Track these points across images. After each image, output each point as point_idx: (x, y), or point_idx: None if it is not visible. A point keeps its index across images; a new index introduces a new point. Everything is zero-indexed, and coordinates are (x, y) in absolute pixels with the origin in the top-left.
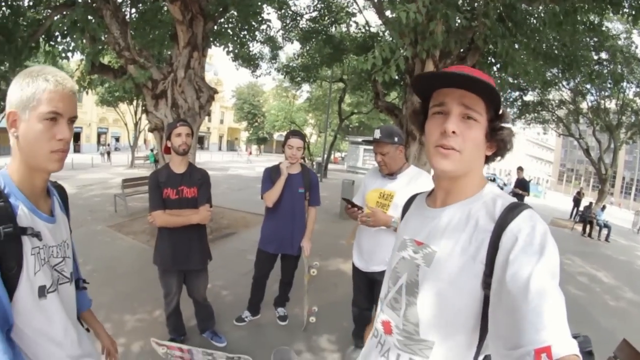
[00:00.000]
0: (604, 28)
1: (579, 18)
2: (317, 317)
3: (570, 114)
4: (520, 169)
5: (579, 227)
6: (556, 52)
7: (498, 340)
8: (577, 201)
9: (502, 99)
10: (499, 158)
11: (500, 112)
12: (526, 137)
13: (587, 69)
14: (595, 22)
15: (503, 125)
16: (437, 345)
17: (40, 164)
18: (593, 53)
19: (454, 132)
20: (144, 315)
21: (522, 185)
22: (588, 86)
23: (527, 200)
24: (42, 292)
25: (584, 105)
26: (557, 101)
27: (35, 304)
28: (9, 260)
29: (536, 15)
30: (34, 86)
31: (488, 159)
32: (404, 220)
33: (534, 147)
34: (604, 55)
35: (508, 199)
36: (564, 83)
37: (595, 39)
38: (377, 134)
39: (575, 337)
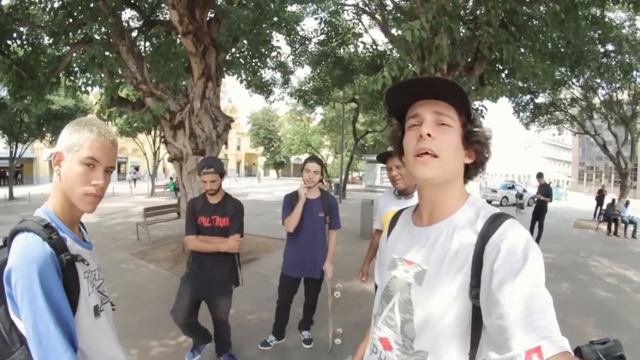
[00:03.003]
0: (606, 19)
1: (580, 13)
2: (341, 338)
3: (584, 111)
4: (540, 175)
5: (604, 227)
6: (562, 50)
7: (490, 346)
8: (600, 200)
9: (472, 105)
10: (480, 169)
11: (472, 116)
12: (542, 139)
13: (595, 63)
14: (597, 14)
15: (476, 129)
16: (430, 355)
17: (74, 202)
18: (599, 46)
19: (429, 134)
20: (169, 340)
21: (545, 191)
22: (598, 80)
23: (550, 205)
24: (97, 311)
25: (596, 101)
26: (568, 100)
27: (92, 323)
28: (71, 284)
29: (538, 16)
30: (80, 133)
31: (470, 172)
32: (391, 237)
33: (551, 148)
34: (610, 46)
35: (490, 211)
36: (574, 80)
37: (600, 32)
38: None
39: (604, 342)
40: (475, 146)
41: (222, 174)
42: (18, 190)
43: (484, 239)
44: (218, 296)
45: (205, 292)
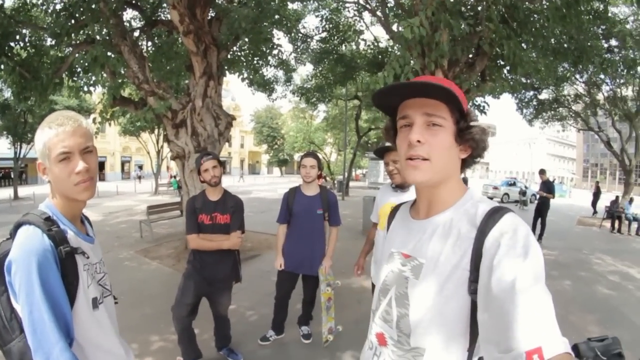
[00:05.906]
0: (610, 14)
1: (582, 8)
2: (341, 334)
3: (587, 107)
4: (542, 171)
5: (608, 224)
6: (565, 46)
7: (489, 344)
8: (596, 195)
9: (466, 100)
10: (477, 160)
11: (465, 111)
12: (546, 136)
13: (598, 58)
14: (600, 9)
15: (471, 124)
16: (428, 352)
17: (71, 196)
18: (603, 41)
19: (418, 141)
20: (170, 335)
21: (547, 188)
22: (602, 76)
23: (553, 201)
24: (95, 303)
25: (600, 97)
26: (572, 96)
27: (90, 316)
28: (69, 275)
29: (539, 11)
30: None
31: (466, 163)
32: (389, 231)
33: (555, 145)
34: (613, 42)
35: (489, 204)
36: (577, 76)
37: (603, 27)
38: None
39: (602, 339)
40: (470, 143)
41: (220, 162)
42: (23, 190)
43: (483, 232)
44: (220, 292)
45: (208, 289)
